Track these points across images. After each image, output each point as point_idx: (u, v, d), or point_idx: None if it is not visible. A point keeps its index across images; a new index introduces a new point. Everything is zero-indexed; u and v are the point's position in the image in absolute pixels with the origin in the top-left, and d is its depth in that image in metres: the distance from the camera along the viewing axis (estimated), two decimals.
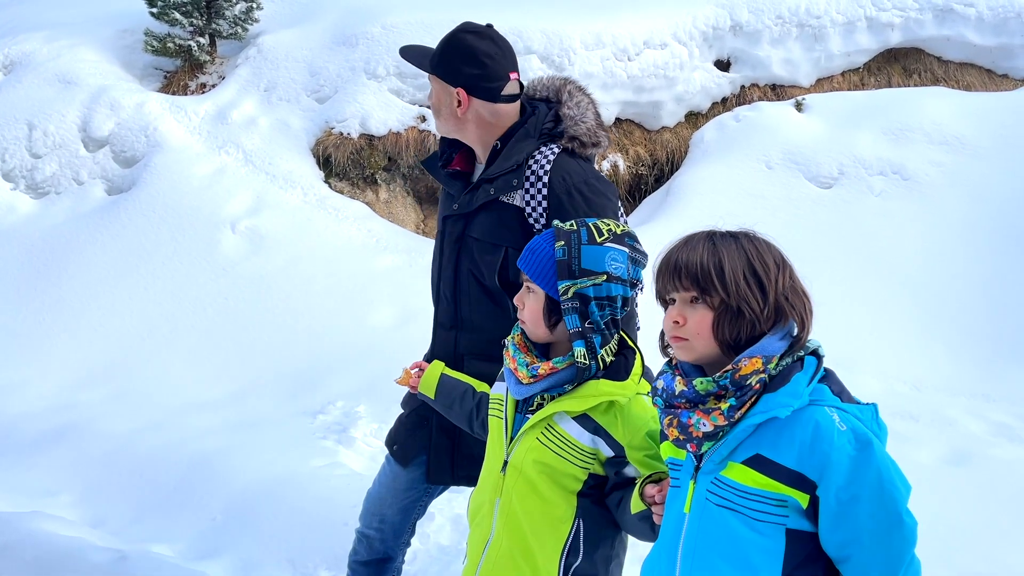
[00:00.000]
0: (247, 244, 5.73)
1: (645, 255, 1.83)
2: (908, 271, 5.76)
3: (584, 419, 1.75)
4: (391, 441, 2.37)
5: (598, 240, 1.75)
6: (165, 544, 3.36)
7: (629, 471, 1.74)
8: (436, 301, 2.31)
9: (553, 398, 1.79)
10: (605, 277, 1.74)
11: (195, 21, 7.05)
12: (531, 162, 2.15)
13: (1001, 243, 5.79)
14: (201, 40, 7.13)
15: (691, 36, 7.34)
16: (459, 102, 2.18)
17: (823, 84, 7.72)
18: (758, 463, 1.41)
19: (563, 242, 1.76)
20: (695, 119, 7.43)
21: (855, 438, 1.37)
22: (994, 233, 5.87)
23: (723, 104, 7.52)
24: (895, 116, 6.78)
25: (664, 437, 1.58)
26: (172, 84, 7.16)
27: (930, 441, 4.35)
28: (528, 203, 2.14)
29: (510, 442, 1.84)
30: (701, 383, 1.45)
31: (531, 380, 1.78)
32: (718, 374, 1.44)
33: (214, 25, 7.15)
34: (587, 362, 1.73)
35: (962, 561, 3.28)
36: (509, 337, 1.88)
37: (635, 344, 1.83)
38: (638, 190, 7.18)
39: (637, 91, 7.02)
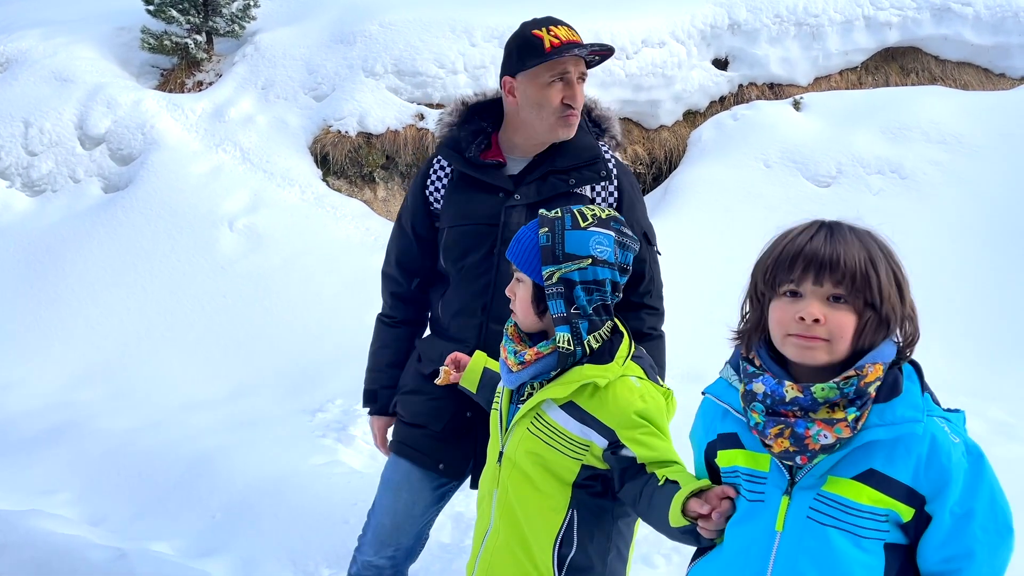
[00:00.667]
0: (245, 242, 5.71)
1: (635, 239, 1.83)
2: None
3: (571, 407, 1.74)
4: (435, 460, 2.22)
5: (582, 225, 1.75)
6: (165, 542, 3.35)
7: (626, 452, 1.71)
8: (487, 297, 2.18)
9: (542, 386, 1.78)
10: (590, 261, 1.73)
11: (192, 19, 7.03)
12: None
13: (999, 241, 5.81)
14: (198, 38, 7.11)
15: (689, 35, 7.34)
16: None
17: (821, 83, 7.73)
18: (872, 478, 1.32)
19: (547, 228, 1.76)
20: (693, 118, 7.44)
21: (968, 451, 1.32)
22: (992, 231, 5.88)
23: (721, 103, 7.52)
24: (893, 115, 6.79)
25: (742, 445, 1.41)
26: (169, 82, 7.14)
27: None
28: (599, 194, 2.20)
29: (504, 433, 1.84)
30: (822, 389, 1.32)
31: (519, 367, 1.78)
32: (841, 379, 1.32)
33: (211, 23, 7.13)
34: (571, 347, 1.72)
35: None
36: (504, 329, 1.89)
37: (625, 328, 1.82)
38: None
39: (635, 90, 7.02)
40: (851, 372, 1.33)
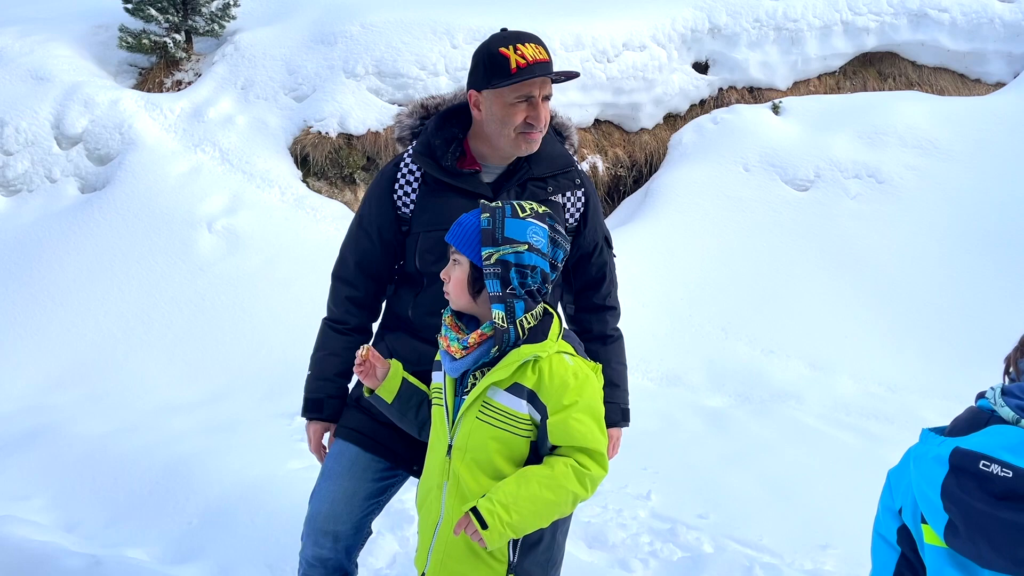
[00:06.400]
0: (223, 244, 5.67)
1: (567, 238, 1.91)
2: (883, 273, 5.82)
3: (516, 388, 1.81)
4: (408, 462, 2.20)
5: (521, 215, 1.85)
6: (140, 548, 3.32)
7: (546, 430, 1.80)
8: None
9: (483, 374, 1.84)
10: (526, 247, 1.82)
11: (171, 17, 6.97)
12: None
13: (973, 245, 5.88)
14: (177, 37, 7.05)
15: (670, 38, 7.37)
16: None
17: (799, 87, 7.79)
18: None
19: (489, 215, 1.86)
20: (673, 121, 7.47)
21: None
22: (967, 235, 5.95)
23: (701, 106, 7.56)
24: (870, 119, 6.85)
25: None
26: (147, 81, 7.08)
27: (904, 442, 4.38)
28: (570, 200, 2.24)
29: (452, 426, 1.88)
30: None
31: (463, 352, 1.84)
32: None
33: (190, 22, 7.07)
34: (505, 325, 1.81)
35: None
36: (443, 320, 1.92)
37: (555, 310, 1.90)
38: (617, 191, 7.20)
39: (616, 93, 7.04)
40: None
